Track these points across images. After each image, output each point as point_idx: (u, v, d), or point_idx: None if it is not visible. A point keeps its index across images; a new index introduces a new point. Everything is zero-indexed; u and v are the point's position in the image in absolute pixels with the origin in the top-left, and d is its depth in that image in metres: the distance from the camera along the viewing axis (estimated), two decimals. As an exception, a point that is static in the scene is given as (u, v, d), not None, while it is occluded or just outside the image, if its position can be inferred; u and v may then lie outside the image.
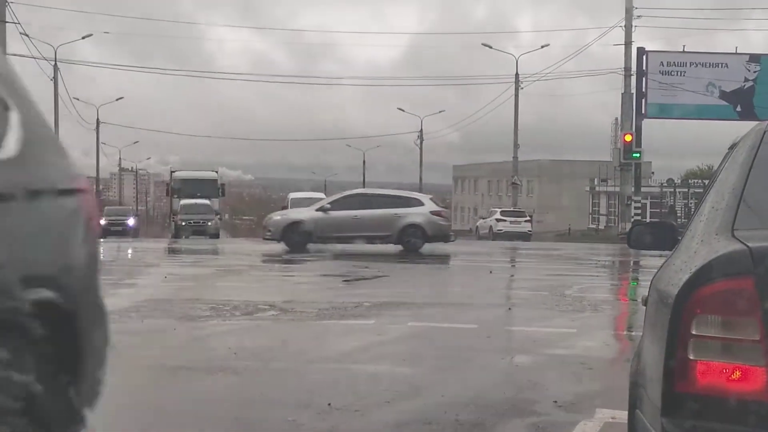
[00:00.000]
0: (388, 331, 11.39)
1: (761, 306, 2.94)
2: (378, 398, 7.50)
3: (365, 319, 12.38)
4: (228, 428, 6.62)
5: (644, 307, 4.03)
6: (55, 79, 55.59)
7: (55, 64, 55.41)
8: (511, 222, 51.34)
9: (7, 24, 41.32)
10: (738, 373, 2.98)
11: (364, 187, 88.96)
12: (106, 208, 55.67)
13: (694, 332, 3.02)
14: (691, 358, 3.03)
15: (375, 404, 7.29)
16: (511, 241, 43.88)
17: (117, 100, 74.22)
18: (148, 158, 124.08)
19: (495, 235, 49.21)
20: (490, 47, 58.51)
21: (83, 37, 57.26)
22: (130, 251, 30.32)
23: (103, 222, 46.30)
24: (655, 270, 4.02)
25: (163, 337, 10.92)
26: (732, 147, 4.25)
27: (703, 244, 3.43)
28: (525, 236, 48.59)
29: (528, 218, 53.29)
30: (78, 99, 65.71)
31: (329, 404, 7.10)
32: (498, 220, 52.15)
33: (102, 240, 33.97)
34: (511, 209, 56.05)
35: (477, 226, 57.86)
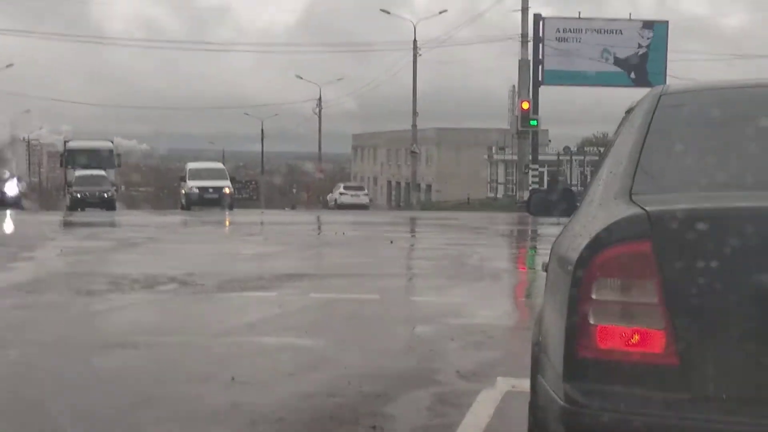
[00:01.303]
0: (290, 302, 11.34)
1: (659, 269, 2.97)
2: (281, 371, 7.47)
3: (267, 291, 12.30)
4: (129, 403, 6.51)
5: (544, 275, 4.05)
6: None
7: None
8: (351, 195, 60.74)
9: None
10: (637, 337, 3.01)
11: (263, 157, 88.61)
12: None
13: (594, 297, 3.03)
14: (592, 322, 3.04)
15: (278, 377, 7.26)
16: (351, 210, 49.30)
17: (7, 66, 72.21)
18: (41, 128, 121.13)
19: (339, 206, 57.43)
20: (388, 13, 58.56)
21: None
22: (19, 224, 29.62)
23: None
24: (554, 239, 4.03)
25: (59, 313, 10.69)
26: (628, 112, 4.28)
27: (601, 208, 3.45)
28: (363, 207, 56.50)
29: (366, 192, 64.12)
30: None
31: (232, 378, 7.03)
32: (341, 193, 61.67)
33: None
34: (353, 184, 67.43)
35: (327, 198, 65.70)
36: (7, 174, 52.39)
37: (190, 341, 8.89)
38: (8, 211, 36.20)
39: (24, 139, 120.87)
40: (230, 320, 10.26)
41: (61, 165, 57.45)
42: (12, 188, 47.82)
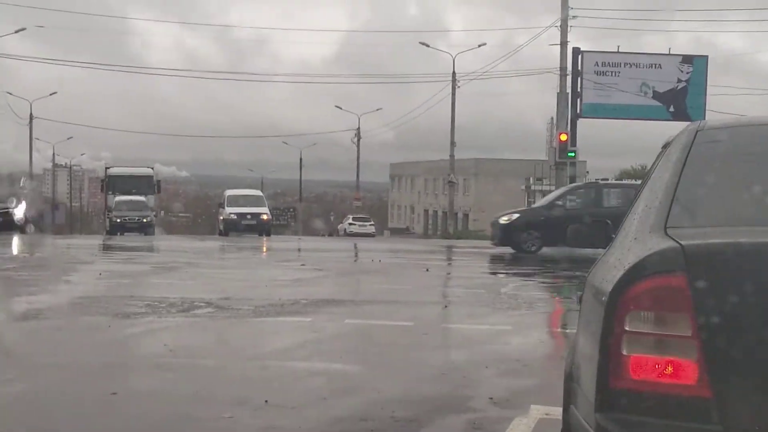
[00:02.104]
0: (325, 328, 11.39)
1: (693, 303, 2.99)
2: (314, 395, 7.50)
3: (302, 316, 12.35)
4: (163, 425, 6.58)
5: (579, 305, 4.07)
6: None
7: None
8: (359, 225, 68.66)
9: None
10: (670, 368, 3.03)
11: (301, 185, 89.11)
12: None
13: (627, 328, 3.07)
14: (625, 353, 3.07)
15: (311, 401, 7.29)
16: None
17: (50, 95, 73.11)
18: (83, 154, 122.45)
19: (348, 235, 64.44)
20: (428, 46, 58.71)
21: (17, 31, 56.30)
22: (59, 248, 29.92)
23: None
24: (589, 271, 4.06)
25: (97, 335, 10.80)
26: (665, 146, 4.31)
27: (636, 241, 3.48)
28: (370, 235, 62.96)
29: (372, 223, 71.98)
30: (11, 93, 64.58)
31: (266, 401, 7.08)
32: (350, 224, 69.86)
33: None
34: (361, 215, 73.62)
35: (337, 228, 73.58)
36: (12, 196, 50.43)
37: (226, 364, 8.96)
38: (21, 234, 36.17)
39: (66, 165, 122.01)
40: (265, 344, 10.32)
41: (102, 190, 58.04)
42: (18, 211, 45.98)
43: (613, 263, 3.45)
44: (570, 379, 3.85)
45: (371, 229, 69.43)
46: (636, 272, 3.10)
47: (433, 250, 33.23)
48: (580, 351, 3.69)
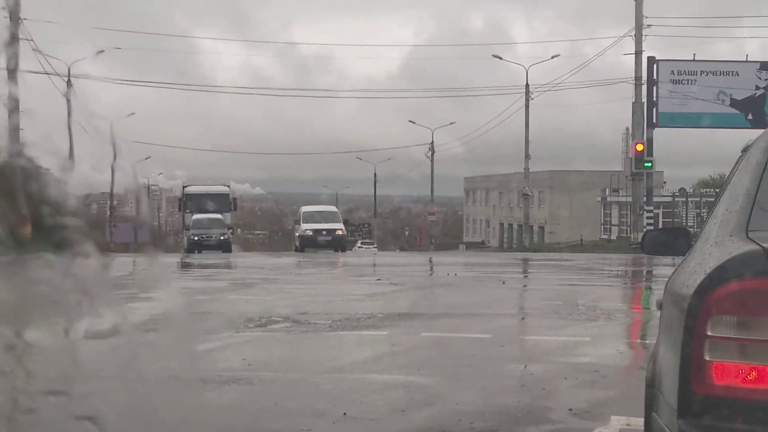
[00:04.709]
0: (401, 341, 11.40)
1: (777, 306, 2.94)
2: (392, 407, 7.51)
3: (378, 329, 12.38)
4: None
5: (658, 315, 4.03)
6: (68, 96, 55.57)
7: (69, 80, 55.40)
8: (366, 248, 72.73)
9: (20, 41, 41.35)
10: (754, 374, 2.98)
11: (375, 200, 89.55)
12: None
13: (709, 333, 3.02)
14: (707, 359, 3.03)
15: (389, 413, 7.30)
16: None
17: (129, 115, 74.22)
18: (160, 173, 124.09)
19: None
20: (500, 58, 58.48)
21: (97, 53, 57.26)
22: (137, 266, 30.29)
23: None
24: (668, 278, 4.01)
25: (176, 349, 10.91)
26: (745, 150, 4.25)
27: (717, 246, 3.43)
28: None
29: (375, 246, 77.13)
30: (94, 114, 65.60)
31: (344, 413, 7.10)
32: (359, 247, 74.44)
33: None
34: (368, 240, 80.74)
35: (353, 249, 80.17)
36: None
37: (303, 378, 9.00)
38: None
39: (145, 184, 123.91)
40: (342, 358, 10.35)
41: (179, 209, 58.67)
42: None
43: (694, 268, 3.40)
44: (652, 386, 3.81)
45: (374, 250, 73.68)
46: (717, 276, 3.06)
47: (508, 262, 33.09)
48: (661, 357, 3.65)
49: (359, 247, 74.07)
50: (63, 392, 4.66)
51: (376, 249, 73.59)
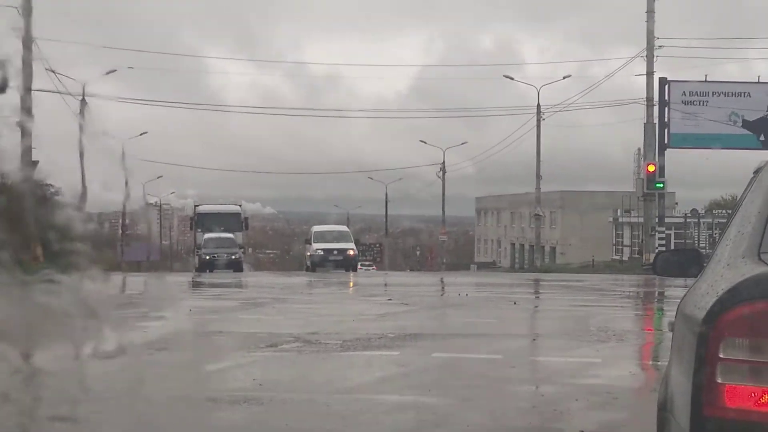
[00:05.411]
0: (412, 361, 11.37)
1: (790, 329, 2.93)
2: (403, 428, 7.50)
3: (389, 350, 12.36)
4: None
5: (670, 337, 4.01)
6: (82, 114, 55.60)
7: (83, 99, 55.47)
8: (363, 269, 71.66)
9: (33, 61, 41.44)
10: (767, 397, 2.97)
11: (387, 219, 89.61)
12: None
13: (721, 355, 3.01)
14: (719, 381, 3.02)
15: (400, 434, 7.27)
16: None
17: (141, 134, 74.39)
18: (172, 192, 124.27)
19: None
20: (512, 79, 58.47)
21: (108, 72, 57.40)
22: (149, 286, 30.34)
23: None
24: (680, 300, 4.00)
25: (187, 369, 10.93)
26: (757, 171, 4.24)
27: (729, 267, 3.42)
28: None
29: (374, 267, 78.11)
30: (106, 134, 65.74)
31: (355, 434, 7.08)
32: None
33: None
34: (366, 261, 77.69)
35: None
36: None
37: (314, 398, 8.98)
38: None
39: (156, 203, 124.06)
40: (353, 378, 10.33)
41: (191, 228, 58.69)
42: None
43: (706, 290, 3.40)
44: (663, 409, 3.79)
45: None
46: (730, 299, 3.05)
47: (520, 283, 33.03)
48: (673, 380, 3.63)
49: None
50: (70, 418, 4.68)
51: (374, 269, 74.62)
